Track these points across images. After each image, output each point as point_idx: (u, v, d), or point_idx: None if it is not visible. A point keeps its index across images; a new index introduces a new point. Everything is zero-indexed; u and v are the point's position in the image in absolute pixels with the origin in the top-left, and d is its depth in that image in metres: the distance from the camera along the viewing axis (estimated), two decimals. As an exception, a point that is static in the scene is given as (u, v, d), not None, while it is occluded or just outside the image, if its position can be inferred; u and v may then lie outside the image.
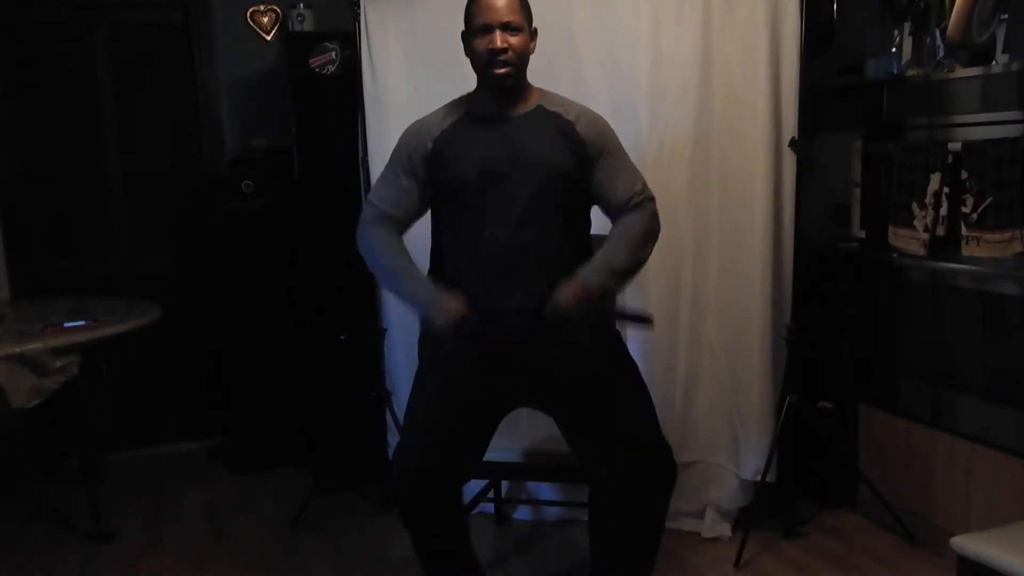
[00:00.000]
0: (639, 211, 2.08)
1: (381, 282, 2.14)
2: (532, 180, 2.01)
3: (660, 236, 2.83)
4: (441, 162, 2.07)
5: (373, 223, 2.11)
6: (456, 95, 2.88)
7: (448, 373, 2.11)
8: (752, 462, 2.85)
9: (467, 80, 2.87)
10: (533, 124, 2.07)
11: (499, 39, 1.99)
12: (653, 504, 2.08)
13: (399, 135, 2.93)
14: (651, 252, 2.10)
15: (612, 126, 2.85)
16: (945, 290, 2.70)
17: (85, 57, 3.74)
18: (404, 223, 2.13)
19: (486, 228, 2.02)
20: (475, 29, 2.03)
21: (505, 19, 2.01)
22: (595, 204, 2.15)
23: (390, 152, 2.91)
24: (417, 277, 2.06)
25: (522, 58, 2.06)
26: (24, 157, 3.72)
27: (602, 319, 2.14)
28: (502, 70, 2.02)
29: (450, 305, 1.95)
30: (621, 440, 2.05)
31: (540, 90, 2.16)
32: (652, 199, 2.11)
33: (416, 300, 2.04)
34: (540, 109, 2.10)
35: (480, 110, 2.09)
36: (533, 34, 2.10)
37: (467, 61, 2.86)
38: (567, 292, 1.94)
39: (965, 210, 2.47)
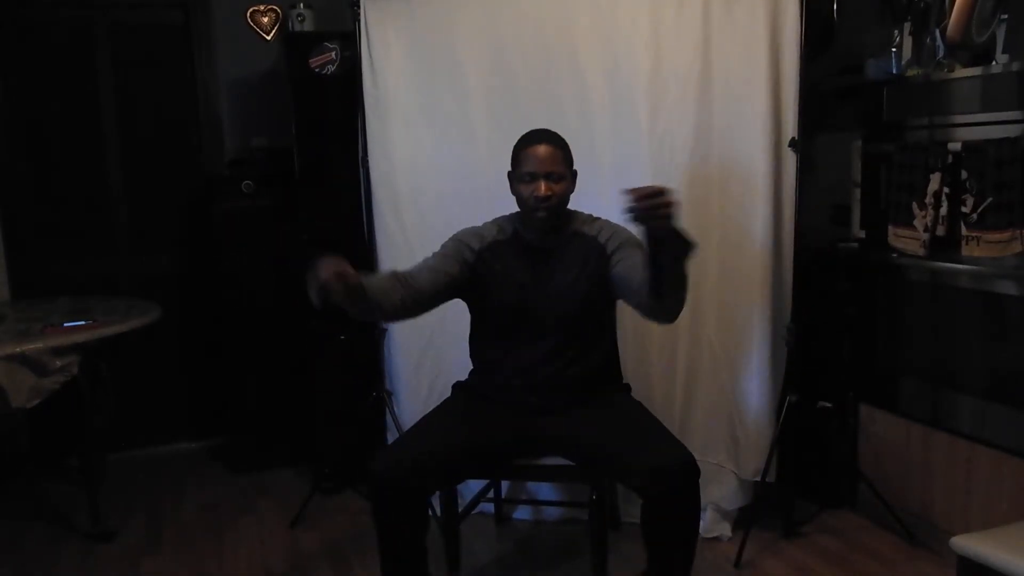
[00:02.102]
0: None
1: None
2: (558, 310, 2.26)
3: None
4: (480, 276, 2.33)
5: (392, 273, 2.29)
6: (455, 95, 2.92)
7: (474, 411, 2.32)
8: (752, 462, 2.86)
9: (466, 80, 2.89)
10: (568, 251, 2.31)
11: (543, 188, 2.23)
12: (681, 500, 2.11)
13: (399, 135, 2.97)
14: (679, 307, 2.18)
15: (612, 126, 2.88)
16: (945, 290, 2.70)
17: (85, 57, 3.74)
18: (412, 288, 2.23)
19: (515, 343, 2.31)
20: (522, 175, 2.27)
21: (549, 170, 2.24)
22: (620, 297, 2.31)
23: (390, 152, 2.95)
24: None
25: (563, 201, 2.29)
26: (24, 157, 3.72)
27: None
28: (544, 214, 2.26)
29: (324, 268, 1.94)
30: (642, 450, 2.15)
31: (579, 215, 2.37)
32: None
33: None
34: (576, 234, 2.32)
35: (525, 235, 2.35)
36: (574, 176, 2.33)
37: (465, 61, 2.90)
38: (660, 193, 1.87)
39: (965, 210, 2.47)
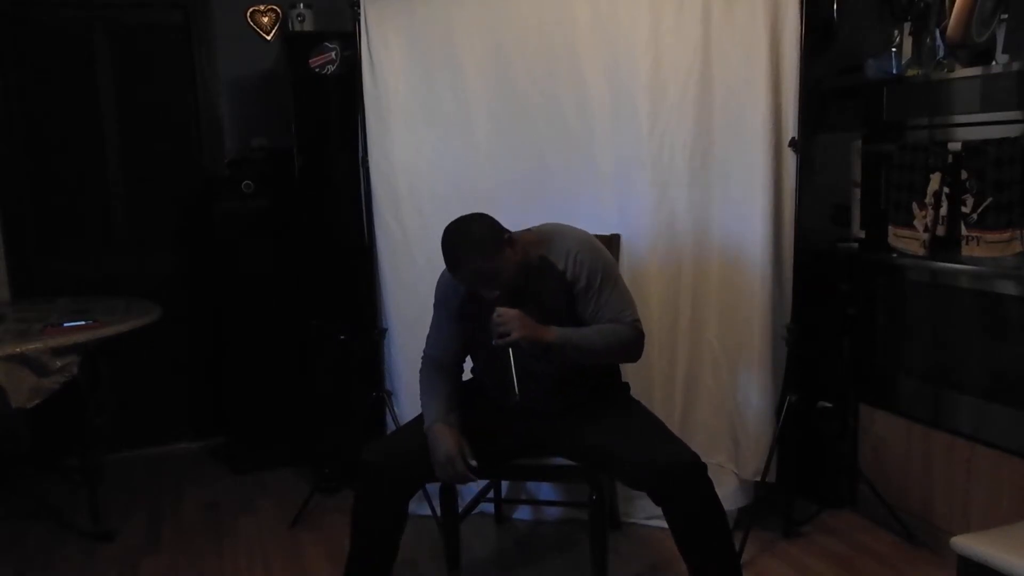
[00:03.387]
0: (629, 327, 2.20)
1: None
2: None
3: (661, 236, 2.87)
4: (468, 312, 2.30)
5: (426, 365, 2.39)
6: (455, 95, 2.92)
7: (473, 411, 2.32)
8: (752, 462, 2.85)
9: (466, 80, 2.89)
10: (542, 286, 2.21)
11: (484, 295, 2.13)
12: (695, 498, 2.12)
13: (399, 135, 2.97)
14: (618, 359, 2.22)
15: (612, 126, 2.87)
16: (945, 290, 2.70)
17: (85, 57, 3.74)
18: (454, 362, 2.38)
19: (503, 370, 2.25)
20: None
21: (477, 287, 2.14)
22: None
23: (390, 152, 2.96)
24: (432, 421, 2.25)
25: (511, 276, 2.14)
26: (24, 157, 3.72)
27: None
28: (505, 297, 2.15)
29: (443, 455, 2.17)
30: (645, 451, 2.15)
31: (540, 236, 2.26)
32: (641, 330, 2.23)
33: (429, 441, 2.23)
34: (545, 264, 2.22)
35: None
36: (509, 244, 2.14)
37: (465, 61, 2.90)
38: (523, 321, 2.06)
39: (965, 210, 2.46)
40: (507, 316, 2.06)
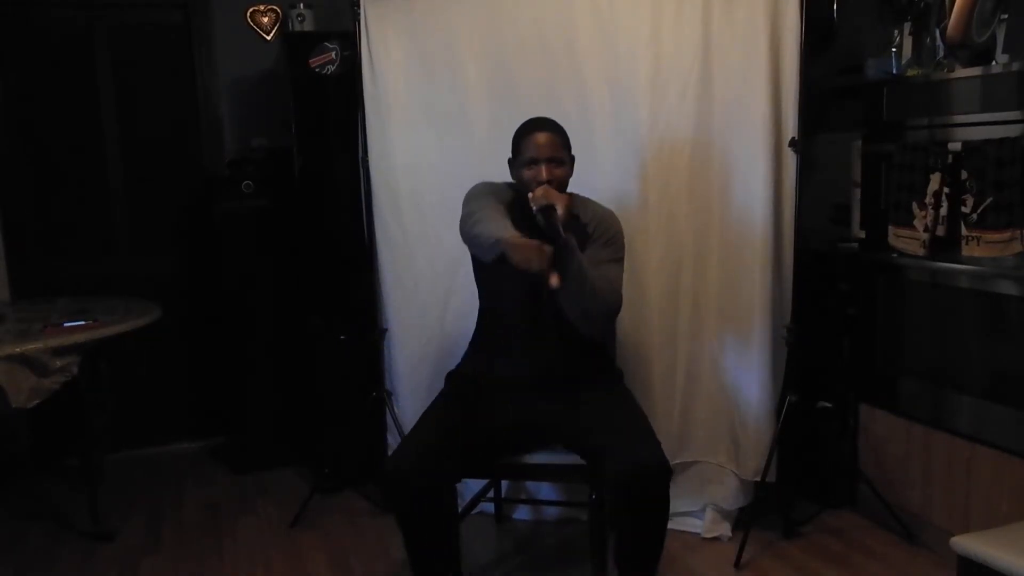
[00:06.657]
0: (616, 293, 2.27)
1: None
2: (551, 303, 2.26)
3: (661, 235, 2.87)
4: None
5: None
6: (455, 95, 2.92)
7: (470, 399, 2.34)
8: (752, 462, 2.86)
9: (466, 80, 2.89)
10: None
11: (544, 172, 2.26)
12: (651, 502, 2.11)
13: (399, 135, 2.97)
14: (592, 309, 2.21)
15: (612, 126, 2.87)
16: (945, 290, 2.70)
17: (85, 57, 3.74)
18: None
19: (510, 323, 2.38)
20: (523, 161, 2.31)
21: (550, 155, 2.28)
22: None
23: (390, 152, 2.96)
24: (502, 230, 2.13)
25: (563, 185, 2.31)
26: (24, 157, 3.72)
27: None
28: None
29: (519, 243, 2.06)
30: (618, 448, 2.12)
31: (575, 197, 2.38)
32: (620, 304, 2.28)
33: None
34: (572, 217, 2.29)
35: (524, 207, 2.27)
36: (572, 161, 2.37)
37: (465, 61, 2.90)
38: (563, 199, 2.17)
39: (965, 210, 2.46)
40: (554, 189, 2.19)
